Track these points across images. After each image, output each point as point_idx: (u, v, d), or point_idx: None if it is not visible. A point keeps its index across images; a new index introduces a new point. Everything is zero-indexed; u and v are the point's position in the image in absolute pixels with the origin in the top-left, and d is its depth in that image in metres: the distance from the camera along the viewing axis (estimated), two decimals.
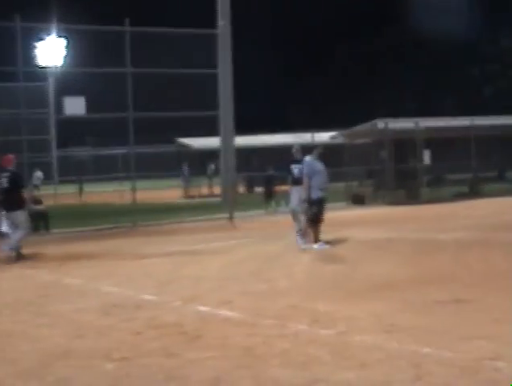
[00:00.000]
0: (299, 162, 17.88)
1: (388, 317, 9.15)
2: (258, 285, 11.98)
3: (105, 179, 37.58)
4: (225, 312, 9.87)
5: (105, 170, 36.47)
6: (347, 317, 9.23)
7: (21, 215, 16.47)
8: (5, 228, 16.95)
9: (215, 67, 26.79)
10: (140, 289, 11.99)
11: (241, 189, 40.51)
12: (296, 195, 17.70)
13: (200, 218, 25.41)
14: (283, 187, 27.79)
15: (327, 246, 16.17)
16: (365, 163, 32.22)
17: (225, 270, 13.82)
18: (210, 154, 39.38)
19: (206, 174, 42.49)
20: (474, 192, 31.18)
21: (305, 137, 33.78)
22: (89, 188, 42.64)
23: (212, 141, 33.67)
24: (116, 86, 24.80)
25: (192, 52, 25.37)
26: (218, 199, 33.05)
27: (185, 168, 41.49)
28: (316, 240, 16.28)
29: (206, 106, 25.73)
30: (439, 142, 29.97)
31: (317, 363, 7.25)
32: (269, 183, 28.64)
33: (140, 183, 25.45)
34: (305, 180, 16.58)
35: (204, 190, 41.68)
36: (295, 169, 17.75)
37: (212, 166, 41.30)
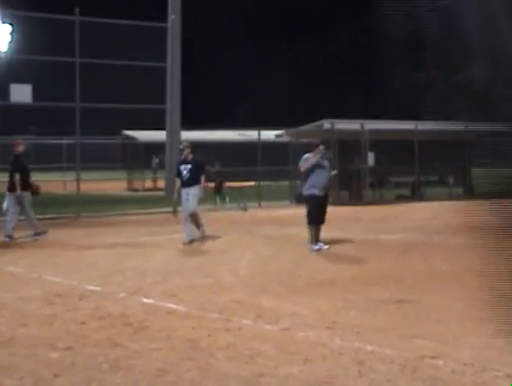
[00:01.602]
0: (187, 162, 17.14)
1: (331, 314, 9.28)
2: (202, 279, 12.04)
3: (48, 169, 37.15)
4: (169, 305, 9.90)
5: (48, 160, 36.04)
6: (291, 313, 9.34)
7: (9, 199, 17.74)
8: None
9: (164, 60, 26.82)
10: (84, 279, 11.96)
11: None
12: (186, 197, 16.99)
13: (143, 211, 25.34)
14: (231, 183, 28.01)
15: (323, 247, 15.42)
16: None
17: (169, 263, 13.85)
18: (155, 148, 39.22)
19: (150, 168, 42.36)
20: (416, 195, 31.56)
21: (251, 135, 33.84)
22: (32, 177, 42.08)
23: (157, 135, 33.51)
24: (64, 75, 24.59)
25: (142, 45, 25.27)
26: (162, 193, 32.96)
27: (155, 160, 41.46)
28: (316, 240, 15.51)
29: (154, 99, 25.66)
30: (384, 145, 30.20)
31: (262, 357, 7.33)
32: (217, 179, 28.72)
33: (84, 174, 25.26)
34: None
35: (148, 184, 41.54)
36: (184, 170, 16.97)
37: (157, 160, 41.22)
